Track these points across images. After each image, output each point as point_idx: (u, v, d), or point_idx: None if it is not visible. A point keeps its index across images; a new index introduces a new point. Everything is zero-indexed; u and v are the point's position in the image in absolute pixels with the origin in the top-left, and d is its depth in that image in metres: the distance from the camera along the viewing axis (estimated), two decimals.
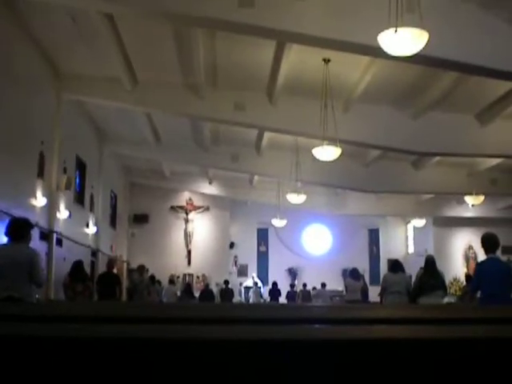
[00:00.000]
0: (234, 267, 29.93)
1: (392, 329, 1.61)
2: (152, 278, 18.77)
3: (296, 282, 27.74)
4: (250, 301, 24.74)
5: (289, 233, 29.22)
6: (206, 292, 21.65)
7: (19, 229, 7.22)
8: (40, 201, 14.22)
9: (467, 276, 17.76)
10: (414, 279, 11.34)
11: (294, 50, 12.37)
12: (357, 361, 1.42)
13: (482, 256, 7.93)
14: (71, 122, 16.73)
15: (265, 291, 25.95)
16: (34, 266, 6.99)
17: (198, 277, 27.95)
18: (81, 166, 18.62)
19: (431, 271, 10.46)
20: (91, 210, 19.81)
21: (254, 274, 28.32)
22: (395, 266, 11.75)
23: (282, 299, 23.78)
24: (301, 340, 1.46)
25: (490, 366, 1.44)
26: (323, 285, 23.86)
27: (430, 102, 14.93)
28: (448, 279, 24.04)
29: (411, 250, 30.76)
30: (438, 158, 19.52)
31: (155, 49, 13.70)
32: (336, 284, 24.95)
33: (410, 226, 30.90)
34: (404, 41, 7.81)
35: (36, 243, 12.98)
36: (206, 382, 1.39)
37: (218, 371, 1.39)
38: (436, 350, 1.44)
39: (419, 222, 27.86)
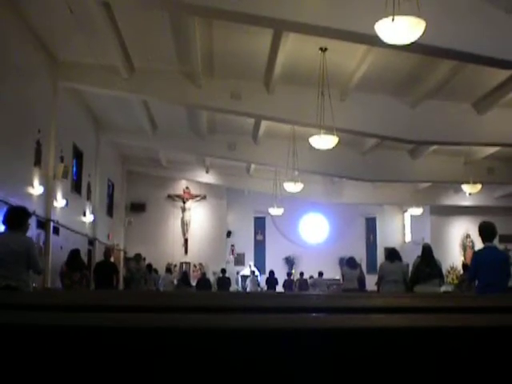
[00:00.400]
0: (231, 256, 29.98)
1: (389, 317, 1.61)
2: (149, 266, 18.77)
3: (293, 271, 27.79)
4: (247, 289, 24.77)
5: (286, 221, 29.27)
6: (203, 281, 21.64)
7: (16, 217, 7.23)
8: (37, 189, 14.20)
9: (464, 265, 17.81)
10: (410, 268, 11.34)
11: (291, 39, 12.35)
12: (354, 350, 1.42)
13: (479, 245, 7.95)
14: (68, 110, 16.70)
15: (262, 280, 25.99)
16: (30, 254, 7.00)
17: (194, 265, 28.00)
18: (78, 155, 18.60)
19: (428, 260, 10.47)
20: (88, 198, 19.80)
21: (251, 263, 28.35)
22: (392, 254, 11.76)
23: (279, 288, 23.81)
24: (298, 329, 1.46)
25: (488, 355, 1.44)
26: (320, 273, 23.90)
27: (427, 91, 14.92)
28: (445, 268, 24.10)
29: (408, 238, 30.83)
30: (434, 147, 19.54)
31: (152, 37, 13.67)
32: (333, 272, 24.97)
33: (407, 215, 30.95)
34: (401, 29, 7.78)
35: (33, 232, 13.00)
36: (203, 371, 1.39)
37: (215, 360, 1.39)
38: (434, 339, 1.44)
39: (416, 211, 27.90)
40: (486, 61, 10.81)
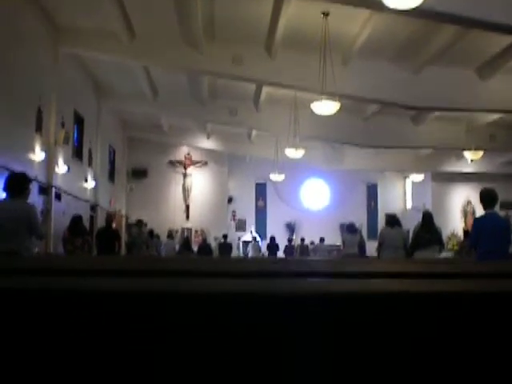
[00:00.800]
0: (233, 222, 30.05)
1: (389, 282, 1.62)
2: (150, 232, 18.84)
3: (294, 237, 27.86)
4: (249, 255, 24.86)
5: (287, 187, 29.26)
6: (204, 246, 21.69)
7: (17, 184, 7.22)
8: (38, 155, 14.19)
9: (465, 231, 17.86)
10: (411, 234, 11.37)
11: (293, 3, 12.25)
12: (354, 314, 1.43)
13: (480, 211, 7.93)
14: (69, 76, 16.61)
15: (263, 245, 26.06)
16: (32, 219, 7.02)
17: (196, 231, 28.07)
18: (79, 121, 18.55)
19: (428, 226, 10.48)
20: (90, 164, 19.78)
21: (253, 229, 28.45)
22: (392, 220, 11.77)
23: (280, 253, 23.89)
24: (298, 293, 1.46)
25: (488, 320, 1.45)
26: (321, 239, 23.97)
27: (429, 57, 14.84)
28: (446, 234, 24.22)
29: (409, 204, 30.84)
30: (437, 113, 19.48)
31: (153, 2, 13.55)
32: (334, 238, 25.04)
33: (409, 181, 30.94)
34: None
35: (35, 198, 13.02)
36: (203, 335, 1.40)
37: (216, 324, 1.39)
38: (433, 304, 1.45)
39: (418, 177, 27.91)
40: (489, 26, 10.73)
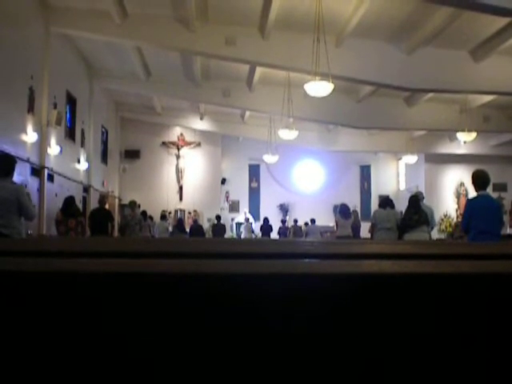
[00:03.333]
0: (226, 203, 30.06)
1: (381, 263, 1.62)
2: (144, 213, 18.81)
3: (287, 218, 27.90)
4: (242, 236, 24.89)
5: (280, 169, 29.28)
6: (195, 227, 21.65)
7: (4, 165, 7.17)
8: (31, 136, 14.13)
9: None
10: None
11: None
12: (346, 294, 1.43)
13: (473, 193, 7.94)
14: (61, 56, 16.52)
15: (256, 227, 26.10)
16: (21, 201, 6.98)
17: (189, 212, 28.07)
18: (71, 102, 18.47)
19: (415, 208, 10.56)
20: (82, 145, 19.73)
21: (246, 210, 28.47)
22: (385, 202, 11.83)
23: (274, 235, 23.92)
24: (291, 274, 1.47)
25: (478, 300, 1.46)
26: (312, 220, 24.02)
27: (423, 38, 14.80)
28: (439, 215, 24.27)
29: (402, 186, 30.92)
30: (430, 95, 19.47)
31: None
32: (327, 220, 25.09)
33: (402, 163, 30.96)
34: None
35: (27, 179, 12.99)
36: (197, 316, 1.40)
37: (210, 304, 1.40)
38: (425, 285, 1.46)
39: (411, 159, 27.91)
40: (483, 8, 10.70)
